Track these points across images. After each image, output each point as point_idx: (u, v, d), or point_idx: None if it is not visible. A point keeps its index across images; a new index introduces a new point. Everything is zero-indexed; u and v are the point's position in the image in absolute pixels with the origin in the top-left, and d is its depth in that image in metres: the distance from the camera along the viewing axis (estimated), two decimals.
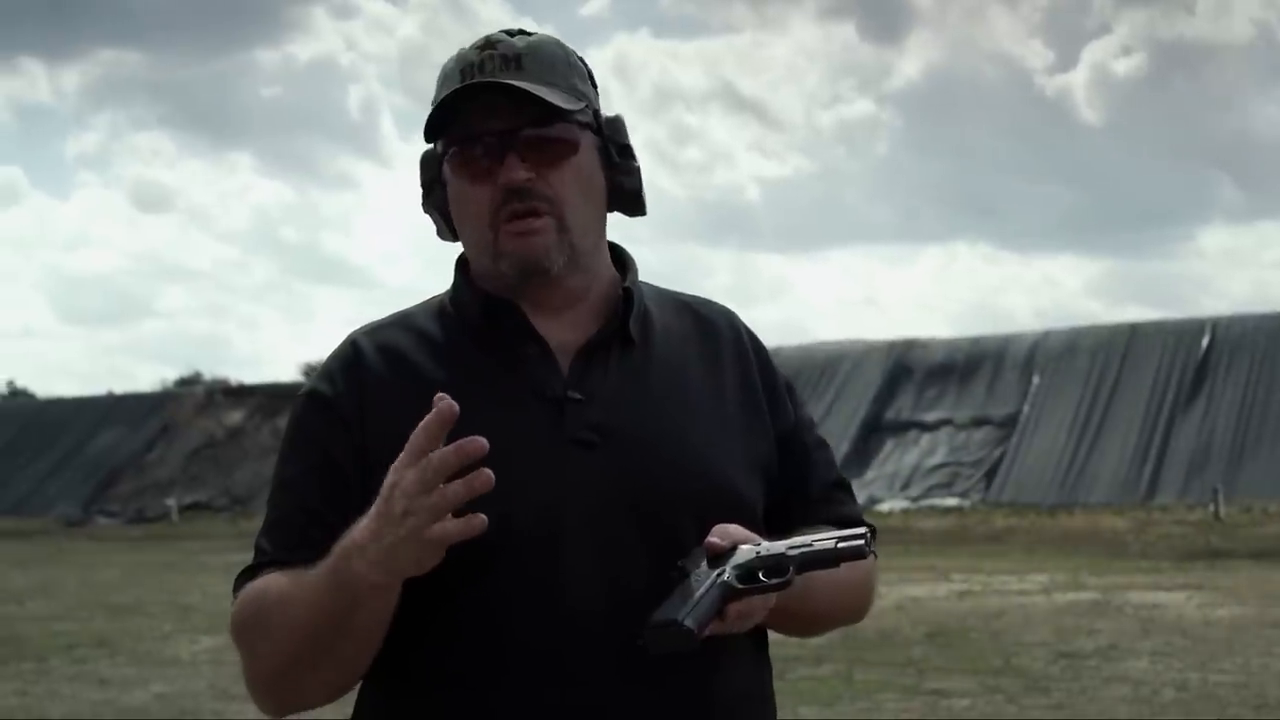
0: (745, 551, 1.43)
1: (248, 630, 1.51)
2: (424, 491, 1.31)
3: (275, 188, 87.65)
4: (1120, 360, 27.48)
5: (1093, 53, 63.78)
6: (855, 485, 1.78)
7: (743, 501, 1.55)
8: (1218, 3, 58.33)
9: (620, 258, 1.66)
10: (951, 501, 25.88)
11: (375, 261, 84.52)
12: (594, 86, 1.62)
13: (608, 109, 1.63)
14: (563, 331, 1.57)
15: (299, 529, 1.51)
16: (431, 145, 1.60)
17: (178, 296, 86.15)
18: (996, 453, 27.05)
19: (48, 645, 10.91)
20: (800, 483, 1.65)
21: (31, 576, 17.80)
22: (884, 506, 25.21)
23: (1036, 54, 61.27)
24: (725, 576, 1.40)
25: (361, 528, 1.37)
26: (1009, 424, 27.46)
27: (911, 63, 67.13)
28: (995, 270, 70.55)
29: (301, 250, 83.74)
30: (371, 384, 1.55)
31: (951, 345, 29.96)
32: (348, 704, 1.60)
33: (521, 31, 1.59)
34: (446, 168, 1.58)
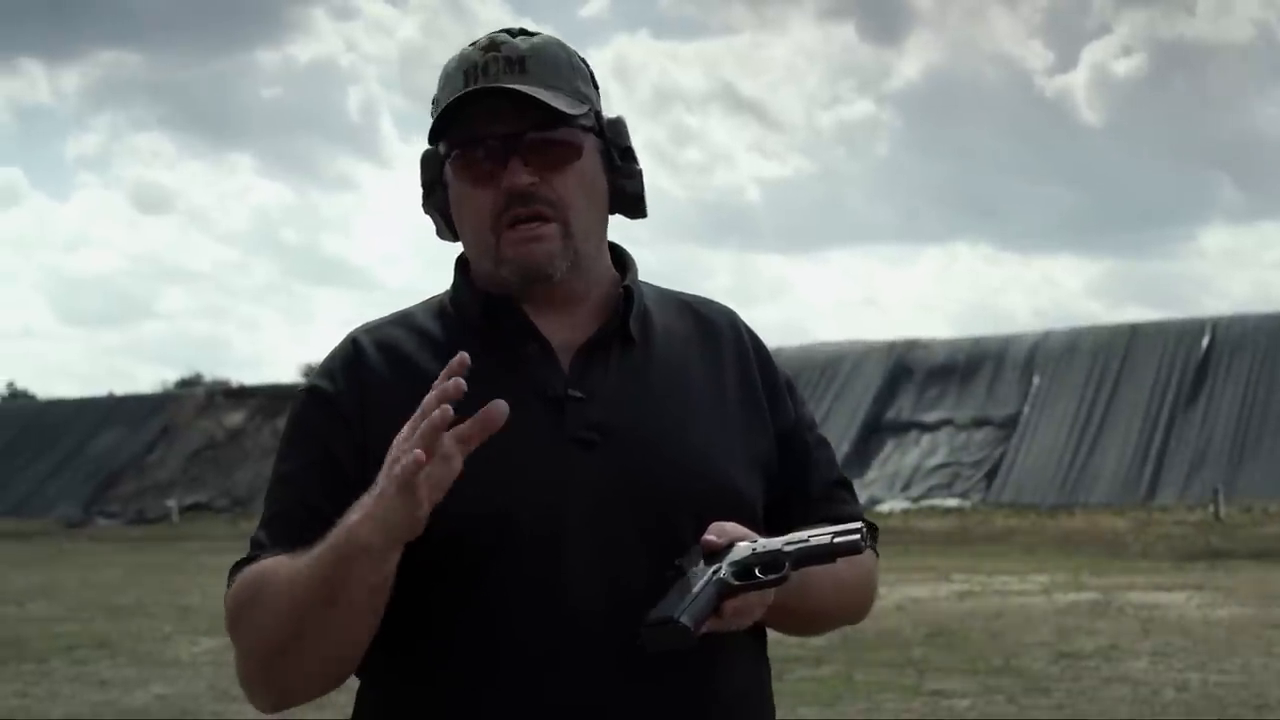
0: (741, 548, 1.43)
1: (243, 608, 1.49)
2: (417, 442, 1.31)
3: (275, 189, 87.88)
4: (1120, 361, 27.48)
5: (1093, 53, 63.82)
6: (856, 486, 1.78)
7: (743, 500, 1.55)
8: (1218, 3, 58.39)
9: (620, 258, 1.66)
10: (952, 502, 25.88)
11: (375, 262, 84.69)
12: (595, 88, 1.61)
13: (608, 110, 1.63)
14: (563, 331, 1.57)
15: (297, 523, 1.49)
16: (433, 146, 1.60)
17: (178, 298, 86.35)
18: (997, 453, 27.05)
19: (48, 646, 10.90)
20: (801, 481, 1.65)
21: (32, 578, 17.79)
22: (884, 507, 25.20)
23: (1036, 54, 61.38)
24: (721, 573, 1.40)
25: (363, 500, 1.37)
26: (1009, 424, 27.47)
27: (911, 63, 67.19)
28: (996, 271, 70.63)
29: (301, 251, 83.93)
30: (372, 382, 1.55)
31: (952, 346, 29.96)
32: (348, 704, 1.60)
33: (524, 31, 1.58)
34: (448, 170, 1.58)
